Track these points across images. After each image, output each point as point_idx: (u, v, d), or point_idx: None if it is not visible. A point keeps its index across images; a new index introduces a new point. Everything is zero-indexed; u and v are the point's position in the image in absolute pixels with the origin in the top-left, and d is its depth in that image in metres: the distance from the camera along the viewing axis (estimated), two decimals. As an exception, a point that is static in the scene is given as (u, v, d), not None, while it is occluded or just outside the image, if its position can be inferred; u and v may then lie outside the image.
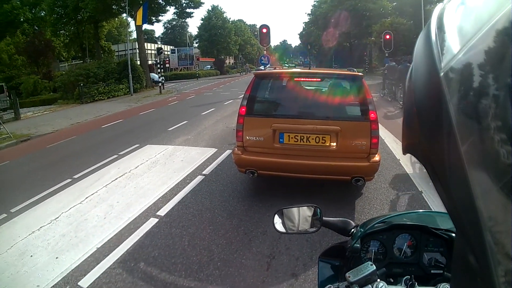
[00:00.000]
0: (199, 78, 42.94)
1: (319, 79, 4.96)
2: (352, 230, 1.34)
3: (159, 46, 46.89)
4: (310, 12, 56.26)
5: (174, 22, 73.51)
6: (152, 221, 4.28)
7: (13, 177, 6.90)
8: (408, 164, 5.94)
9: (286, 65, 65.20)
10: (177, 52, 55.25)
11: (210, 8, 58.99)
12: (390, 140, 7.65)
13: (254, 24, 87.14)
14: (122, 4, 27.51)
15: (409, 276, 1.08)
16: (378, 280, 1.01)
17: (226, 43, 59.26)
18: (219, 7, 59.98)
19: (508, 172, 0.31)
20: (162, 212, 4.52)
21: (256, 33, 61.88)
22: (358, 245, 1.26)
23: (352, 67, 7.87)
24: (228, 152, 7.02)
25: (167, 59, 43.92)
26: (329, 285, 1.10)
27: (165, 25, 77.45)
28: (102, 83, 22.92)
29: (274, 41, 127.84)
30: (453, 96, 0.37)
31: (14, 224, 4.51)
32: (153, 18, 33.11)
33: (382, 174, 5.47)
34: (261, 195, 4.88)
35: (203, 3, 35.07)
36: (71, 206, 4.87)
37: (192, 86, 30.61)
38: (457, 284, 0.44)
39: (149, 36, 67.13)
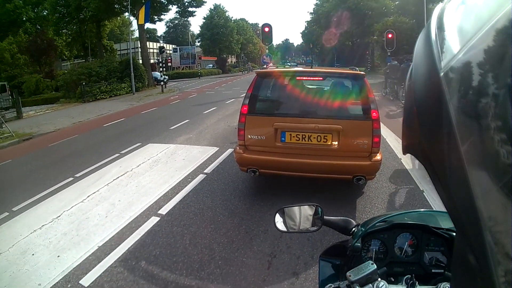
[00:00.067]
0: (201, 77, 42.99)
1: (321, 78, 4.95)
2: (353, 229, 1.33)
3: (161, 45, 47.00)
4: (312, 11, 56.18)
5: (176, 21, 73.54)
6: (154, 220, 4.28)
7: (15, 176, 6.93)
8: (409, 163, 5.93)
9: (288, 64, 65.23)
10: (179, 51, 55.35)
11: (212, 7, 59.19)
12: (392, 139, 7.64)
13: (256, 23, 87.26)
14: (125, 3, 27.53)
15: (410, 275, 1.08)
16: (379, 279, 1.00)
17: (228, 42, 59.29)
18: (221, 6, 60.15)
19: (508, 172, 0.30)
20: (164, 210, 4.53)
21: (258, 32, 61.88)
22: (359, 244, 1.26)
23: (354, 66, 7.86)
24: (229, 151, 7.02)
25: (169, 58, 44.08)
26: (330, 284, 1.09)
27: (167, 24, 77.64)
28: (104, 82, 22.96)
29: (276, 40, 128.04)
30: (453, 96, 0.37)
31: (15, 223, 4.52)
32: (155, 17, 33.19)
33: (384, 173, 5.46)
34: (262, 194, 4.88)
35: (205, 2, 35.14)
36: (72, 205, 4.88)
37: (194, 85, 30.62)
38: (457, 284, 0.44)
39: (151, 35, 67.11)
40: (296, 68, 8.59)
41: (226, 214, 4.34)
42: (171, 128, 10.23)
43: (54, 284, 3.14)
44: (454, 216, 0.39)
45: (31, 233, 4.15)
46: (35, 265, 3.45)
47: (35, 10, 37.26)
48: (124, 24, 45.41)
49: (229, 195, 4.92)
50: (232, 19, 63.59)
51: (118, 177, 5.93)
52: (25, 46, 31.63)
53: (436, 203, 4.24)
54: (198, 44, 62.77)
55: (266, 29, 16.35)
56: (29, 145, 10.26)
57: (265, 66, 16.05)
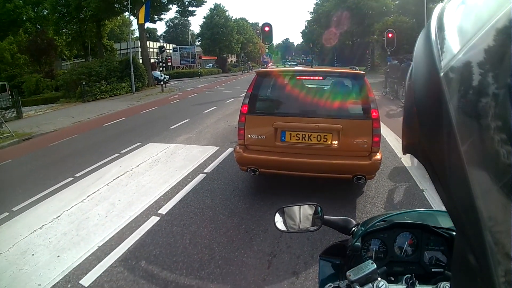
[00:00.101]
0: (201, 77, 42.99)
1: (321, 78, 4.95)
2: (353, 228, 1.33)
3: (161, 44, 46.94)
4: (312, 11, 56.18)
5: (177, 21, 73.52)
6: (154, 220, 4.28)
7: (15, 176, 6.93)
8: (409, 162, 5.93)
9: (288, 63, 65.22)
10: (179, 51, 55.34)
11: (212, 7, 59.17)
12: (392, 139, 7.64)
13: (257, 23, 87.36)
14: (125, 3, 27.53)
15: (409, 275, 1.08)
16: (379, 278, 1.00)
17: (228, 42, 59.32)
18: (221, 5, 60.17)
19: (508, 172, 0.30)
20: (164, 210, 4.53)
21: (258, 31, 61.88)
22: (359, 244, 1.26)
23: (355, 65, 7.87)
24: (229, 150, 7.03)
25: (169, 57, 44.06)
26: (329, 284, 1.09)
27: (167, 24, 77.58)
28: (104, 81, 22.95)
29: (276, 40, 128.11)
30: (453, 96, 0.37)
31: (15, 223, 4.52)
32: (156, 16, 33.20)
33: (384, 172, 5.46)
34: (262, 193, 4.88)
35: (206, 2, 35.17)
36: (72, 205, 4.88)
37: (194, 85, 30.63)
38: (457, 284, 0.44)
39: (151, 35, 67.11)
40: (296, 68, 8.59)
41: (226, 214, 4.34)
42: (171, 127, 10.23)
43: (54, 284, 3.14)
44: (454, 216, 0.39)
45: (31, 233, 4.15)
46: (35, 265, 3.45)
47: (35, 10, 37.28)
48: (124, 24, 45.45)
49: (229, 194, 4.92)
50: (232, 18, 63.68)
51: (118, 177, 5.93)
52: (25, 46, 31.64)
53: (436, 202, 4.24)
54: (198, 43, 62.80)
55: (266, 29, 16.37)
56: (29, 145, 10.26)
57: (265, 65, 16.09)
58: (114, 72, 24.20)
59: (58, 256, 3.58)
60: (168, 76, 34.99)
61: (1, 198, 5.41)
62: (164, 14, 35.21)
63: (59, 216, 4.56)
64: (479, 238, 0.33)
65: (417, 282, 1.05)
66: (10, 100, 17.58)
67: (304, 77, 5.05)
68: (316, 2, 54.49)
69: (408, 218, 1.39)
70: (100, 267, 3.34)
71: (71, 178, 6.12)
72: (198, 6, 35.73)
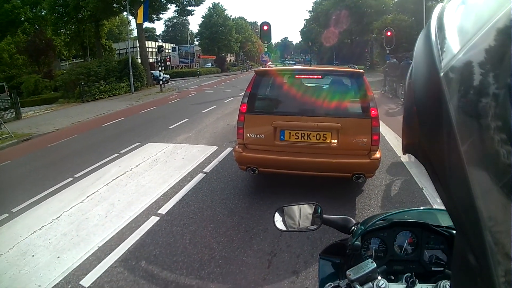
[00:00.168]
0: (200, 76, 42.93)
1: (320, 76, 4.95)
2: (353, 227, 1.33)
3: (160, 44, 46.87)
4: (311, 9, 56.16)
5: (175, 20, 73.45)
6: (153, 220, 4.28)
7: (14, 177, 6.92)
8: (408, 160, 5.93)
9: (287, 62, 65.21)
10: (178, 50, 55.33)
11: (211, 6, 59.06)
12: (391, 137, 7.64)
13: (255, 22, 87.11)
14: (123, 2, 27.51)
15: (410, 274, 1.08)
16: (379, 277, 1.01)
17: (227, 41, 59.23)
18: (220, 4, 60.04)
19: (508, 172, 0.30)
20: (163, 210, 4.53)
21: (257, 30, 61.94)
22: (358, 243, 1.26)
23: (353, 64, 7.87)
24: (229, 149, 7.02)
25: (168, 57, 43.99)
26: (330, 283, 1.09)
27: (166, 23, 77.45)
28: (103, 81, 22.92)
29: (275, 38, 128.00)
30: (453, 96, 0.37)
31: (15, 224, 4.51)
32: (154, 16, 33.13)
33: (383, 171, 5.47)
34: (262, 192, 4.88)
35: (204, 1, 35.14)
36: (72, 205, 4.88)
37: (193, 84, 30.61)
38: (457, 284, 0.44)
39: (150, 34, 67.08)
40: (294, 67, 8.60)
41: (225, 213, 4.34)
42: (170, 127, 10.22)
43: (55, 285, 3.14)
44: (454, 216, 0.39)
45: (31, 234, 4.14)
46: (35, 266, 3.45)
47: (34, 10, 37.20)
48: (122, 24, 45.40)
49: (228, 194, 4.92)
50: (231, 17, 63.53)
51: (117, 177, 5.93)
52: (23, 46, 31.60)
53: (435, 201, 4.25)
54: (197, 43, 62.70)
55: (265, 28, 16.34)
56: (28, 145, 10.25)
57: (265, 64, 16.11)
58: (113, 72, 24.16)
59: (58, 257, 3.58)
60: (168, 76, 35.03)
61: (1, 199, 5.40)
62: (163, 13, 35.19)
63: (58, 217, 4.56)
64: (479, 238, 0.33)
65: (417, 281, 1.05)
66: (9, 101, 17.56)
67: (303, 76, 5.05)
68: (315, 1, 54.47)
69: (408, 217, 1.39)
70: (100, 268, 3.34)
71: (70, 179, 6.12)
72: (197, 6, 35.72)
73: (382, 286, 0.98)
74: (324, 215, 1.35)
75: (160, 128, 10.23)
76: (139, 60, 29.26)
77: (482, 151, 0.34)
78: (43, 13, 36.34)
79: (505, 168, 0.31)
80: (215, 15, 58.07)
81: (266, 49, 17.99)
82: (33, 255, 3.65)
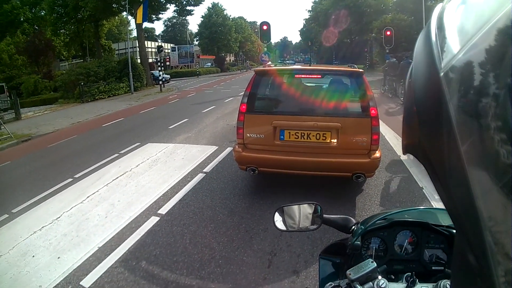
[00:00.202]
0: (200, 76, 42.90)
1: (320, 76, 4.95)
2: (353, 227, 1.33)
3: (160, 44, 46.88)
4: (310, 9, 56.15)
5: (175, 20, 73.41)
6: (153, 220, 4.28)
7: (14, 178, 6.92)
8: (408, 160, 5.93)
9: (287, 62, 65.25)
10: (178, 50, 55.27)
11: (210, 6, 59.03)
12: (391, 136, 7.64)
13: (255, 21, 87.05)
14: (122, 3, 27.48)
15: (410, 273, 1.08)
16: (379, 277, 1.01)
17: (227, 41, 59.19)
18: (219, 4, 59.95)
19: (508, 172, 0.30)
20: (163, 210, 4.53)
21: (256, 30, 61.93)
22: (358, 242, 1.26)
23: (353, 63, 7.87)
24: (229, 149, 7.02)
25: (168, 57, 43.99)
26: (330, 283, 1.09)
27: (166, 23, 77.36)
28: (103, 82, 22.91)
29: (275, 38, 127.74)
30: (453, 95, 0.37)
31: (15, 225, 4.52)
32: (154, 16, 33.06)
33: (383, 170, 5.47)
34: (262, 192, 4.88)
35: (203, 1, 35.06)
36: (72, 206, 4.88)
37: (192, 84, 30.60)
38: (457, 284, 0.44)
39: (150, 34, 67.09)
40: (294, 66, 8.59)
41: (225, 213, 4.35)
42: (170, 127, 10.22)
43: (55, 286, 3.14)
44: (454, 216, 0.39)
45: (31, 234, 4.14)
46: (35, 267, 3.45)
47: (33, 11, 37.14)
48: (122, 24, 45.36)
49: (228, 194, 4.92)
50: (230, 17, 63.46)
51: (117, 177, 5.93)
52: (23, 47, 31.57)
53: (436, 200, 4.25)
54: (197, 43, 62.66)
55: (265, 27, 16.34)
56: (28, 146, 10.25)
57: (265, 64, 16.12)
58: (112, 72, 24.14)
59: (59, 258, 3.58)
60: (169, 76, 35.04)
61: (1, 200, 5.40)
62: (162, 13, 35.13)
63: (59, 217, 4.56)
64: (479, 238, 0.33)
65: (417, 280, 1.05)
66: (9, 101, 17.59)
67: (303, 76, 5.05)
68: (314, 1, 54.49)
69: (408, 216, 1.39)
70: (100, 268, 3.34)
71: (70, 179, 6.12)
72: (196, 5, 35.68)
73: (382, 286, 0.98)
74: (324, 215, 1.35)
75: (160, 128, 10.23)
76: (139, 60, 29.22)
77: (482, 151, 0.34)
78: (42, 13, 36.31)
79: (505, 168, 0.31)
80: (215, 15, 58.03)
81: (265, 49, 17.94)
82: (33, 256, 3.65)
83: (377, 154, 4.20)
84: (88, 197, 5.16)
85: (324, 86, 5.12)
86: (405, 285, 1.05)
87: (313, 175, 4.52)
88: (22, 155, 8.98)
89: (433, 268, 1.26)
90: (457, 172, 0.36)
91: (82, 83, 21.42)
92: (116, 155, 7.46)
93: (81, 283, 3.16)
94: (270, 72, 4.88)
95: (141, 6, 24.27)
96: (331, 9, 45.48)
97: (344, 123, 4.20)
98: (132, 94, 22.81)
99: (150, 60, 39.81)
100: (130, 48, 28.41)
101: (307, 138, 4.29)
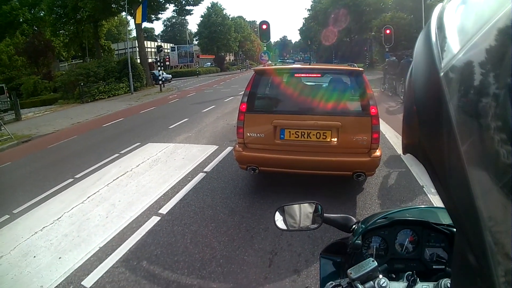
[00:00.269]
0: (199, 76, 42.88)
1: (320, 75, 4.95)
2: (353, 226, 1.33)
3: (159, 44, 46.85)
4: (310, 8, 56.12)
5: (174, 20, 73.34)
6: (154, 220, 4.29)
7: (14, 178, 6.92)
8: (409, 158, 5.93)
9: (287, 61, 65.13)
10: (177, 50, 55.24)
11: (209, 5, 59.00)
12: (391, 135, 7.64)
13: (254, 21, 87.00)
14: (122, 3, 27.47)
15: (411, 272, 1.08)
16: (380, 276, 1.01)
17: (226, 40, 59.16)
18: (218, 4, 59.91)
19: (508, 172, 0.30)
20: (164, 210, 4.53)
21: (256, 29, 61.87)
22: (359, 242, 1.26)
23: (353, 62, 7.86)
24: (229, 149, 7.02)
25: (167, 57, 43.92)
26: (330, 282, 1.09)
27: (165, 23, 77.29)
28: (103, 82, 22.89)
29: (274, 37, 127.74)
30: (453, 95, 0.37)
31: (16, 225, 4.52)
32: (153, 16, 33.03)
33: (383, 169, 5.47)
34: (262, 191, 4.88)
35: (203, 0, 35.02)
36: (73, 206, 4.88)
37: (192, 84, 30.60)
38: (457, 284, 0.44)
39: (149, 34, 67.01)
40: (294, 65, 8.59)
41: (226, 213, 4.35)
42: (170, 127, 10.22)
43: (56, 286, 3.14)
44: (454, 216, 0.39)
45: (32, 235, 4.15)
46: (36, 267, 3.45)
47: (32, 11, 37.09)
48: (121, 24, 45.30)
49: (229, 193, 4.93)
50: (230, 17, 63.40)
51: (118, 177, 5.93)
52: (22, 48, 31.54)
53: (435, 198, 4.25)
54: (196, 42, 62.59)
55: (264, 27, 16.31)
56: (28, 147, 10.25)
57: (264, 63, 16.14)
58: (112, 73, 24.13)
59: (60, 258, 3.58)
60: (170, 76, 35.05)
61: (2, 201, 5.41)
62: (161, 13, 35.14)
63: (59, 217, 4.56)
64: (479, 238, 0.33)
65: (418, 279, 1.05)
66: (9, 102, 17.57)
67: (303, 75, 5.04)
68: (314, 0, 54.45)
69: (408, 215, 1.39)
70: (101, 268, 3.35)
71: (71, 180, 6.12)
72: (195, 5, 35.65)
73: (383, 285, 0.98)
74: (324, 214, 1.35)
75: (160, 128, 10.23)
76: (138, 60, 29.19)
77: (482, 151, 0.34)
78: (41, 14, 36.29)
79: (505, 168, 0.31)
80: (214, 15, 57.99)
81: (265, 48, 17.91)
82: (34, 256, 3.66)
83: (378, 153, 4.20)
84: (88, 197, 5.17)
85: (324, 85, 5.12)
86: (406, 284, 1.05)
87: (314, 174, 4.52)
88: (22, 155, 8.98)
89: (433, 267, 1.26)
90: (457, 172, 0.36)
91: (81, 84, 21.41)
92: (117, 155, 7.46)
93: (82, 283, 3.16)
94: (270, 72, 4.87)
95: (140, 6, 24.27)
96: (330, 8, 45.49)
97: (344, 122, 4.20)
98: (132, 94, 22.80)
99: (150, 60, 39.80)
100: (129, 48, 28.36)
101: (307, 137, 4.29)
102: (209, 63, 59.01)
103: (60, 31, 33.93)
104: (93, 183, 5.81)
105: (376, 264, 1.01)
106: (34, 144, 10.40)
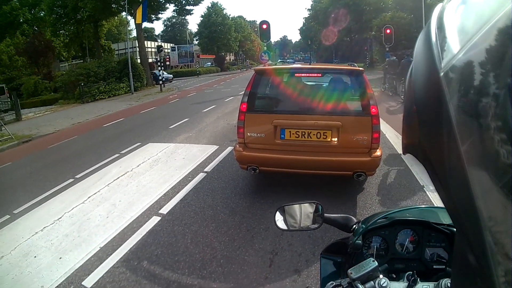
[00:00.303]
0: (200, 75, 42.89)
1: (320, 75, 4.95)
2: (354, 226, 1.33)
3: (159, 44, 46.84)
4: (310, 7, 56.10)
5: (174, 20, 73.35)
6: (155, 220, 4.29)
7: (15, 178, 6.92)
8: (409, 158, 5.92)
9: (288, 61, 65.11)
10: (177, 50, 55.28)
11: (209, 5, 59.02)
12: (392, 135, 7.64)
13: (254, 20, 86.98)
14: (122, 3, 27.49)
15: (411, 272, 1.08)
16: (381, 276, 1.01)
17: (226, 40, 59.17)
18: (218, 3, 59.92)
19: (508, 172, 0.30)
20: (165, 210, 4.53)
21: (256, 29, 61.86)
22: (359, 242, 1.26)
23: (353, 62, 7.86)
24: (229, 149, 7.02)
25: (168, 56, 43.96)
26: (331, 282, 1.09)
27: (165, 23, 77.29)
28: (103, 82, 22.90)
29: (275, 37, 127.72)
30: (453, 95, 0.37)
31: (17, 225, 4.52)
32: (153, 16, 33.06)
33: (384, 169, 5.46)
34: (263, 191, 4.88)
35: (203, 0, 35.03)
36: (73, 206, 4.88)
37: (192, 84, 30.60)
38: (457, 284, 0.44)
39: (149, 34, 67.04)
40: (294, 65, 8.59)
41: (227, 213, 4.35)
42: (171, 127, 10.22)
43: (57, 286, 3.15)
44: (454, 216, 0.39)
45: (33, 235, 4.15)
46: (37, 267, 3.45)
47: (32, 12, 37.11)
48: (121, 24, 45.33)
49: (229, 193, 4.93)
50: (230, 16, 63.39)
51: (118, 177, 5.93)
52: (22, 48, 31.54)
53: (436, 198, 4.24)
54: (196, 42, 62.63)
55: (264, 26, 16.29)
56: (28, 147, 10.26)
57: (265, 63, 16.15)
58: (112, 73, 24.13)
59: (60, 258, 3.59)
60: (171, 75, 35.09)
61: (2, 201, 5.41)
62: (162, 13, 35.16)
63: (60, 217, 4.56)
64: (479, 238, 0.33)
65: (418, 279, 1.05)
66: (9, 102, 17.54)
67: (303, 74, 5.04)
68: (314, -1, 54.47)
69: (409, 215, 1.39)
70: (102, 268, 3.35)
71: (71, 180, 6.12)
72: (196, 5, 35.65)
73: (383, 285, 0.98)
74: (325, 214, 1.35)
75: (160, 128, 10.23)
76: (139, 60, 29.21)
77: (482, 151, 0.34)
78: (41, 14, 36.30)
79: (505, 168, 0.31)
80: (214, 14, 58.00)
81: (265, 48, 17.90)
82: (35, 256, 3.66)
83: (378, 152, 4.20)
84: (89, 197, 5.17)
85: (324, 85, 5.12)
86: (406, 284, 1.05)
87: (314, 174, 4.52)
88: (23, 156, 8.98)
89: (434, 267, 1.26)
90: (457, 172, 0.36)
91: (82, 84, 21.42)
92: (117, 155, 7.46)
93: (83, 283, 3.16)
94: (270, 71, 4.87)
95: (141, 6, 24.27)
96: (330, 8, 45.45)
97: (344, 122, 4.20)
98: (132, 94, 22.80)
99: (150, 60, 39.80)
100: (129, 48, 28.38)
101: (307, 137, 4.29)
102: (210, 63, 59.03)
103: (60, 31, 33.96)
104: (94, 183, 5.81)
105: (377, 264, 1.01)
106: (35, 144, 10.41)
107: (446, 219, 1.31)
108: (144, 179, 5.74)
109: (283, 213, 1.41)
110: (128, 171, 6.22)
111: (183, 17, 65.74)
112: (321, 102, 4.40)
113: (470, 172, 0.34)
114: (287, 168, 4.41)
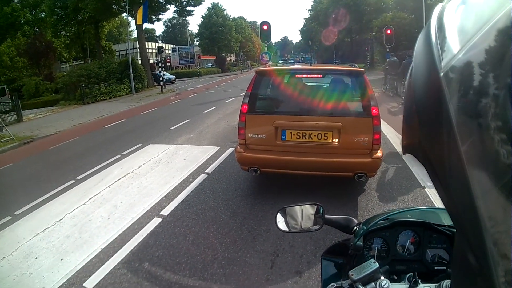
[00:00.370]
0: (201, 76, 42.94)
1: (321, 75, 4.95)
2: (355, 227, 1.33)
3: (160, 45, 46.94)
4: (310, 8, 56.16)
5: (175, 21, 73.58)
6: (156, 221, 4.28)
7: (16, 180, 6.93)
8: (409, 158, 5.91)
9: (289, 61, 65.15)
10: (178, 51, 55.39)
11: (210, 6, 59.09)
12: (393, 136, 7.64)
13: (255, 21, 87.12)
14: (122, 4, 27.53)
15: (412, 273, 1.08)
16: (382, 277, 1.00)
17: (227, 41, 59.23)
18: (219, 4, 60.04)
19: (508, 172, 0.30)
20: (166, 211, 4.53)
21: (257, 30, 61.98)
22: (360, 243, 1.25)
23: (354, 62, 7.86)
24: (230, 150, 7.02)
25: (168, 57, 44.02)
26: (332, 283, 1.09)
27: (166, 24, 77.56)
28: (104, 83, 22.95)
29: (275, 38, 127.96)
30: (453, 96, 0.37)
31: (18, 227, 4.53)
32: (154, 17, 33.14)
33: (385, 170, 5.46)
34: (264, 193, 4.88)
35: (203, 1, 35.08)
36: (75, 207, 4.88)
37: (193, 85, 30.62)
38: (457, 284, 0.44)
39: (150, 35, 67.15)
40: (295, 66, 8.60)
41: (228, 214, 4.35)
42: (172, 128, 10.23)
43: (58, 287, 3.15)
44: (454, 216, 0.39)
45: (34, 236, 4.15)
46: (38, 269, 3.45)
47: (33, 13, 37.16)
48: (122, 25, 45.46)
49: (230, 194, 4.92)
50: (231, 17, 63.50)
51: (119, 179, 5.93)
52: (23, 49, 31.59)
53: (438, 200, 4.23)
54: (197, 43, 62.71)
55: (265, 27, 16.32)
56: (29, 148, 10.27)
57: (266, 64, 16.18)
58: (113, 74, 24.19)
59: (61, 259, 3.59)
60: (174, 76, 35.17)
61: (3, 202, 5.42)
62: (162, 14, 35.24)
63: (61, 219, 4.57)
64: (479, 238, 0.34)
65: (419, 281, 1.05)
66: (10, 103, 17.57)
67: (304, 75, 5.04)
68: (314, 0, 54.47)
69: (410, 216, 1.39)
70: (103, 270, 3.35)
71: (72, 181, 6.13)
72: (196, 6, 35.72)
73: (384, 286, 0.98)
74: (326, 216, 1.35)
75: (161, 129, 10.24)
76: (140, 61, 29.28)
77: (482, 151, 0.34)
78: (42, 15, 36.35)
79: (505, 168, 0.31)
80: (215, 15, 58.07)
81: (266, 49, 17.93)
82: (36, 258, 3.66)
83: (379, 153, 4.19)
84: (90, 198, 5.17)
85: (325, 86, 5.12)
86: (408, 285, 1.05)
87: (315, 175, 4.52)
88: (24, 157, 9.00)
89: (435, 268, 1.26)
90: (457, 172, 0.36)
91: (83, 85, 21.48)
92: (118, 156, 7.47)
93: (84, 284, 3.16)
94: (271, 72, 4.87)
95: (141, 7, 24.33)
96: (331, 8, 45.49)
97: (345, 123, 4.19)
98: (133, 95, 22.83)
99: (151, 61, 39.85)
100: (130, 49, 28.46)
101: (308, 138, 4.29)
102: (210, 64, 59.12)
103: (61, 32, 34.04)
104: (95, 184, 5.82)
105: (378, 265, 1.01)
106: (36, 146, 10.42)
107: (447, 220, 1.31)
108: (145, 181, 5.74)
109: (284, 214, 1.41)
110: (129, 173, 6.22)
111: (183, 18, 65.88)
112: (322, 103, 4.39)
113: (470, 172, 0.34)
114: (288, 169, 4.41)
